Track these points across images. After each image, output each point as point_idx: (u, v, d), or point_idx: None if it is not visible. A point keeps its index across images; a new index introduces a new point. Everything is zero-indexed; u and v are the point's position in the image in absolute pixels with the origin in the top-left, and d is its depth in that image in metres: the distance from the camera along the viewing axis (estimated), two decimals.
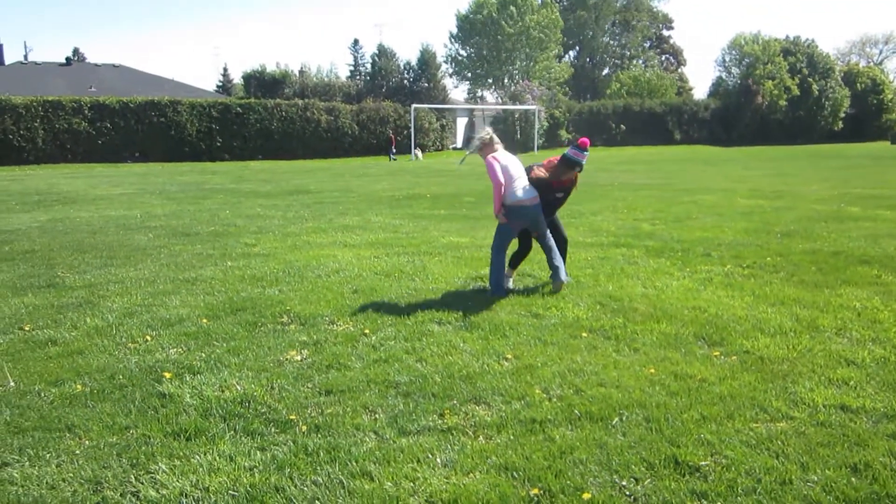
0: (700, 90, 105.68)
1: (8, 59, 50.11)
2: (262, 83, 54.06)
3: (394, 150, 39.05)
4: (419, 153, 40.06)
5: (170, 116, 36.55)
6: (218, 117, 38.09)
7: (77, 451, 3.37)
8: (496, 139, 6.47)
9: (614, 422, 3.60)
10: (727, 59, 64.79)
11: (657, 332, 5.11)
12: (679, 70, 76.77)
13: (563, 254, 6.54)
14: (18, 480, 3.11)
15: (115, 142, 35.08)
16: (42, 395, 4.08)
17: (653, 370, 4.34)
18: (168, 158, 35.64)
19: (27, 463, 3.27)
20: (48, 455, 3.34)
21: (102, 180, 22.59)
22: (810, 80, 60.71)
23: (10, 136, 32.21)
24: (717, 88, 64.34)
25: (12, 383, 4.25)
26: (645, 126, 56.17)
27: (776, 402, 3.83)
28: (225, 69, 66.38)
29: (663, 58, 77.58)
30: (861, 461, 3.15)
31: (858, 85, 63.92)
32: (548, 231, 6.40)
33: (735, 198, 14.82)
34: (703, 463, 3.17)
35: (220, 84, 63.40)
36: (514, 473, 3.10)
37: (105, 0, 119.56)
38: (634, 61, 72.74)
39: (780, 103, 59.64)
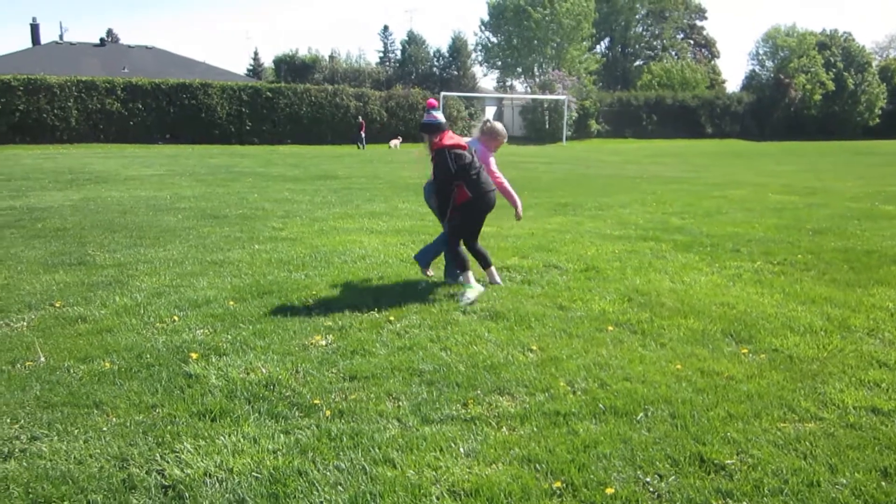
0: (733, 83, 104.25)
1: (44, 39, 50.75)
2: (293, 68, 54.37)
3: (361, 138, 36.79)
4: (396, 143, 37.79)
5: (201, 99, 36.84)
6: (248, 101, 38.33)
7: (104, 428, 3.42)
8: (478, 127, 6.29)
9: (639, 417, 3.57)
10: (761, 51, 63.90)
11: (684, 327, 5.06)
12: (712, 62, 75.66)
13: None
14: (47, 454, 3.16)
15: (147, 123, 35.47)
16: (71, 371, 4.14)
17: (679, 366, 4.29)
18: (198, 141, 35.96)
19: (56, 438, 3.32)
20: (76, 431, 3.39)
21: (134, 161, 22.84)
22: (846, 74, 59.66)
23: (45, 115, 32.68)
24: (751, 82, 63.49)
25: (43, 359, 4.31)
26: (676, 119, 55.65)
27: (805, 402, 3.77)
28: (256, 53, 67.07)
29: (696, 49, 76.49)
30: (892, 465, 3.09)
31: None
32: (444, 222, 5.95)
33: (766, 193, 14.62)
34: (728, 461, 3.12)
35: (251, 68, 63.85)
36: (537, 466, 3.08)
37: None
38: (667, 52, 71.79)
39: (815, 98, 58.69)
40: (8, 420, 3.49)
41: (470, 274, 5.73)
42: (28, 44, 50.17)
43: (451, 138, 5.64)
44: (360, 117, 39.39)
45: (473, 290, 5.64)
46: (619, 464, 3.11)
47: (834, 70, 59.67)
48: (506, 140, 6.28)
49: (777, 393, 3.88)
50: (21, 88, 32.04)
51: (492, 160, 6.17)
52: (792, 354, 4.52)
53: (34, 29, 50.64)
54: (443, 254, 6.18)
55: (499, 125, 6.27)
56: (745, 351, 4.59)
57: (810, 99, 58.81)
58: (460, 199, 5.71)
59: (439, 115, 5.67)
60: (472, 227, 5.90)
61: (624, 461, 3.13)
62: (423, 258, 6.33)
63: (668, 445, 3.27)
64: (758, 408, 3.68)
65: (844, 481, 2.97)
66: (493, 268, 6.23)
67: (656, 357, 4.46)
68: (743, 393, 3.87)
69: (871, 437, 3.37)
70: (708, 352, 4.56)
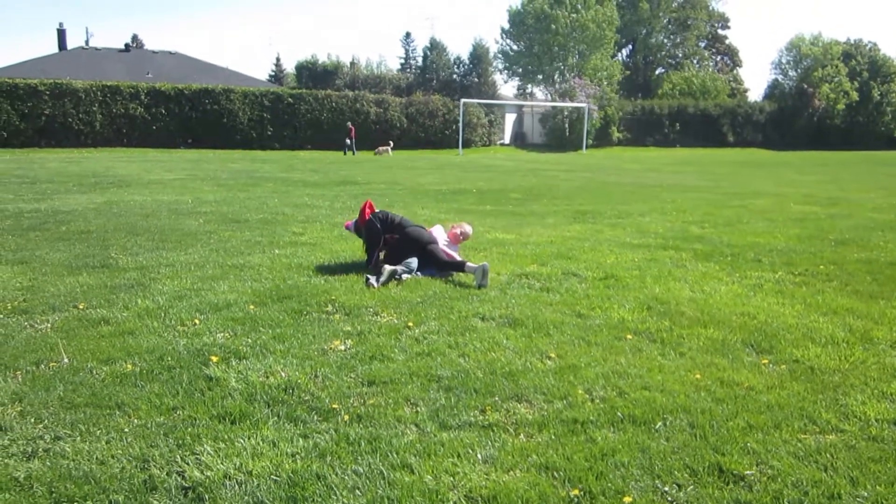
0: (755, 92, 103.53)
1: (70, 44, 51.43)
2: (314, 74, 54.73)
3: (348, 144, 36.16)
4: (386, 149, 36.72)
5: (223, 104, 37.16)
6: (269, 106, 38.62)
7: (126, 429, 3.46)
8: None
9: (658, 426, 3.56)
10: (784, 60, 63.41)
11: (704, 337, 5.03)
12: (734, 71, 75.22)
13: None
14: (70, 454, 3.21)
15: (170, 128, 35.84)
16: (94, 372, 4.19)
17: (699, 375, 4.27)
18: (220, 145, 36.27)
19: (79, 438, 3.37)
20: (98, 431, 3.43)
21: (156, 165, 23.08)
22: (871, 84, 58.99)
23: (70, 120, 33.13)
24: (773, 91, 62.99)
25: (66, 360, 4.37)
26: (698, 127, 55.38)
27: (826, 413, 3.74)
28: (278, 59, 67.57)
29: (719, 58, 76.08)
30: None
31: None
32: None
33: (788, 203, 14.50)
34: (748, 472, 3.11)
35: (273, 74, 64.43)
36: (555, 473, 3.08)
37: None
38: (688, 61, 71.44)
39: (839, 107, 58.12)
40: (32, 420, 3.54)
41: (385, 267, 6.55)
42: (55, 49, 50.84)
43: (367, 209, 7.15)
44: (349, 123, 38.42)
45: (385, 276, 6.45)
46: (637, 473, 3.10)
47: (858, 80, 59.06)
48: (468, 237, 7.71)
49: (798, 404, 3.85)
50: (47, 93, 32.52)
51: (452, 249, 7.33)
52: (813, 365, 4.48)
53: (61, 34, 51.30)
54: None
55: (469, 230, 7.69)
56: (766, 361, 4.56)
57: (834, 108, 58.22)
58: (389, 241, 6.99)
59: (349, 223, 7.57)
60: (400, 257, 6.86)
61: (642, 470, 3.12)
62: (386, 277, 6.48)
63: (687, 455, 3.25)
64: (778, 419, 3.66)
65: (866, 494, 2.94)
66: (467, 263, 6.81)
67: (675, 366, 4.44)
68: (763, 403, 3.85)
69: (893, 450, 3.34)
70: (728, 362, 4.54)
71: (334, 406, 3.74)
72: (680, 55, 72.64)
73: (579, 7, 52.57)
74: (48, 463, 3.13)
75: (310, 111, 39.74)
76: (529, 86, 60.54)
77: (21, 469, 3.08)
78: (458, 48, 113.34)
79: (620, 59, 67.43)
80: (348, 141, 36.58)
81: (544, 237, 9.25)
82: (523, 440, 3.41)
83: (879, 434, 3.50)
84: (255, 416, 3.61)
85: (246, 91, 38.61)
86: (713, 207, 13.42)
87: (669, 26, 71.51)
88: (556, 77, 56.00)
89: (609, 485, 2.98)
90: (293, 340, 4.80)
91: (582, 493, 2.93)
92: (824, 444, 3.38)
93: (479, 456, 3.23)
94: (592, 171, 26.52)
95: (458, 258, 7.14)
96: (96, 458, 3.18)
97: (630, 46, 71.18)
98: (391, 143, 38.41)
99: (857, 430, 3.55)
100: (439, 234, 7.34)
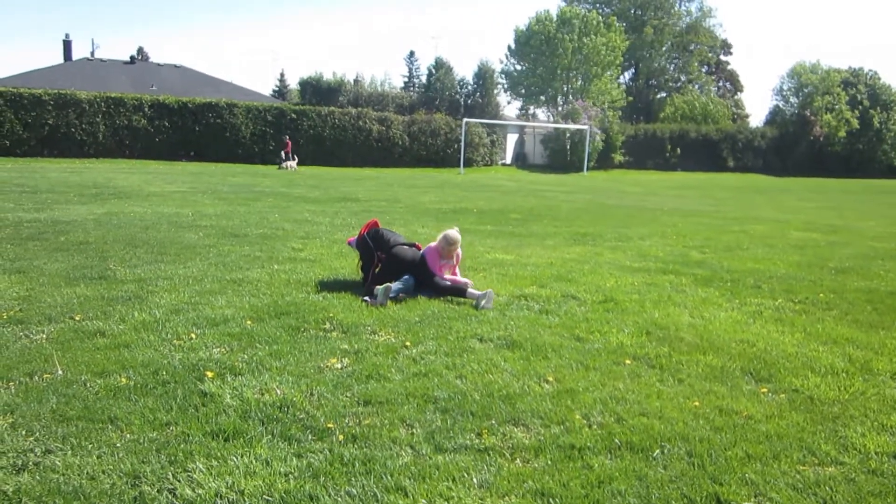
0: (756, 118, 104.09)
1: (76, 55, 51.68)
2: (318, 90, 54.91)
3: (283, 157, 35.30)
4: (292, 164, 35.28)
5: (226, 118, 37.23)
6: (272, 121, 38.69)
7: (118, 444, 3.42)
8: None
9: (655, 454, 3.52)
10: (785, 87, 63.80)
11: (703, 363, 5.00)
12: (736, 96, 75.61)
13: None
14: (60, 468, 3.17)
15: (172, 140, 35.87)
16: (88, 385, 4.15)
17: (697, 403, 4.24)
18: (222, 159, 36.29)
19: (69, 452, 3.33)
20: (90, 445, 3.40)
21: (157, 177, 23.09)
22: (871, 112, 59.33)
23: (73, 130, 33.17)
24: (774, 117, 63.30)
25: (60, 372, 4.34)
26: (699, 151, 55.53)
27: (825, 445, 3.71)
28: (282, 75, 67.82)
29: (720, 83, 76.50)
30: None
31: None
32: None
33: (788, 229, 14.51)
34: None
35: (277, 89, 64.62)
36: (551, 500, 3.04)
37: (170, 2, 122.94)
38: (691, 85, 71.82)
39: (840, 134, 58.41)
40: (23, 432, 3.51)
41: (377, 288, 6.44)
42: (60, 59, 51.10)
43: (365, 227, 7.30)
44: (286, 137, 37.26)
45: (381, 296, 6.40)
46: (633, 501, 3.06)
47: (859, 108, 59.41)
48: (457, 247, 7.14)
49: (797, 434, 3.82)
50: (51, 103, 32.60)
51: (443, 266, 7.06)
52: (812, 395, 4.45)
53: (66, 45, 51.57)
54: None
55: (452, 235, 7.05)
56: (765, 390, 4.53)
57: (834, 136, 58.51)
58: (381, 259, 6.99)
59: (352, 239, 7.56)
60: (391, 275, 6.79)
61: (639, 499, 3.08)
62: (381, 296, 6.41)
63: (685, 484, 3.22)
64: (777, 449, 3.62)
65: None
66: (469, 290, 6.73)
67: (674, 393, 4.41)
68: (762, 433, 3.81)
69: (894, 484, 3.30)
70: (726, 389, 4.50)
71: (329, 425, 3.70)
72: (682, 79, 73.01)
73: (586, 31, 52.88)
74: (38, 477, 3.09)
75: (312, 127, 39.82)
76: (532, 107, 60.81)
77: (10, 482, 3.04)
78: (465, 68, 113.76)
79: (623, 81, 67.78)
80: (283, 154, 35.75)
81: (544, 259, 9.24)
82: (519, 465, 3.37)
83: (879, 467, 3.47)
84: (249, 434, 3.57)
85: (249, 105, 38.73)
86: (713, 232, 13.42)
87: (672, 51, 71.97)
88: (559, 99, 56.25)
89: None
90: (290, 357, 4.77)
91: None
92: (823, 477, 3.34)
93: (474, 480, 3.19)
94: (593, 193, 26.55)
95: (459, 277, 7.11)
96: (87, 473, 3.14)
97: (633, 70, 71.58)
98: (296, 157, 36.62)
99: (856, 462, 3.52)
100: (433, 258, 7.00)
